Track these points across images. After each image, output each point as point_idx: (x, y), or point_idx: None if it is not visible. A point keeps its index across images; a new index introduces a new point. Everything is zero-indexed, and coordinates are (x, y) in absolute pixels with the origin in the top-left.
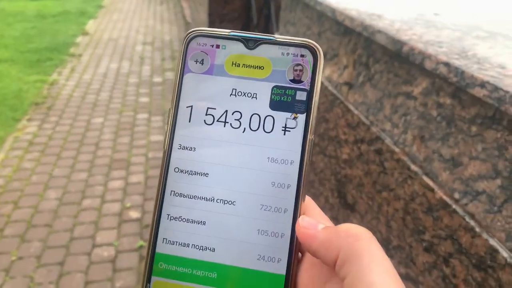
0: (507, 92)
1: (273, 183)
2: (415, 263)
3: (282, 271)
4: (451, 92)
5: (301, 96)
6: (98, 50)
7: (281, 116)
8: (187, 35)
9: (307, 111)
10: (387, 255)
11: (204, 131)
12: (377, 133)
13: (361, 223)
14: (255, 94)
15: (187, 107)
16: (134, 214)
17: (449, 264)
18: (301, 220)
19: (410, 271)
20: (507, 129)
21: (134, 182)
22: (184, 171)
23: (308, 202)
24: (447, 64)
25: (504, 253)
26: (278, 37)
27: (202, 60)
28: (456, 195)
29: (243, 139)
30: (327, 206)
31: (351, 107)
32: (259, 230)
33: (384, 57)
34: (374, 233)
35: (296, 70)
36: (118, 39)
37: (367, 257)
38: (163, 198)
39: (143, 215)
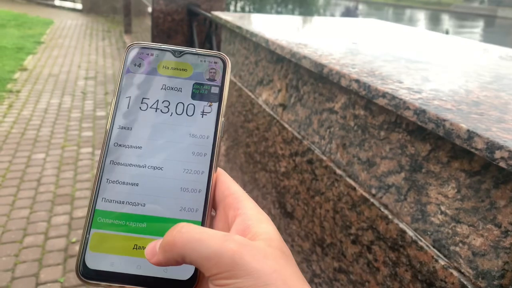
0: (401, 99)
1: (193, 153)
2: (345, 256)
3: (199, 218)
4: (364, 104)
5: (215, 90)
6: (38, 86)
7: (200, 104)
8: (128, 46)
9: (219, 100)
10: (322, 253)
11: (139, 115)
12: (308, 145)
13: (299, 228)
14: (180, 89)
15: (126, 97)
16: None
17: (371, 250)
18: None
19: (342, 264)
20: (406, 130)
21: (80, 217)
22: (122, 145)
23: (222, 172)
24: (357, 81)
25: (410, 232)
26: (198, 49)
27: (140, 64)
28: (373, 191)
29: (171, 121)
30: (270, 218)
31: (286, 125)
32: (181, 188)
33: (310, 80)
34: (310, 235)
35: (211, 72)
36: (59, 74)
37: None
38: (103, 166)
39: None
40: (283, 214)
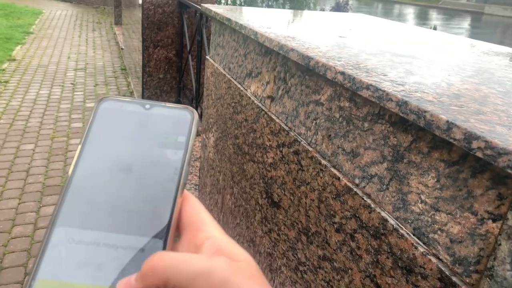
0: (384, 91)
1: (154, 192)
2: (329, 244)
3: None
4: (349, 96)
5: (181, 139)
6: (26, 76)
7: (166, 151)
8: (100, 99)
9: (185, 149)
10: (307, 242)
11: (103, 161)
12: (294, 136)
13: (285, 217)
14: (147, 138)
15: (92, 144)
16: None
17: (354, 238)
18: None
19: (326, 252)
20: (389, 122)
21: None
22: (81, 188)
23: (189, 197)
24: (343, 73)
25: (391, 221)
26: (167, 103)
27: (108, 114)
28: (356, 181)
29: (135, 168)
30: (257, 208)
31: (274, 117)
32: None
33: (298, 72)
34: (296, 224)
35: (179, 124)
36: (48, 65)
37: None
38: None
39: None
40: (270, 204)
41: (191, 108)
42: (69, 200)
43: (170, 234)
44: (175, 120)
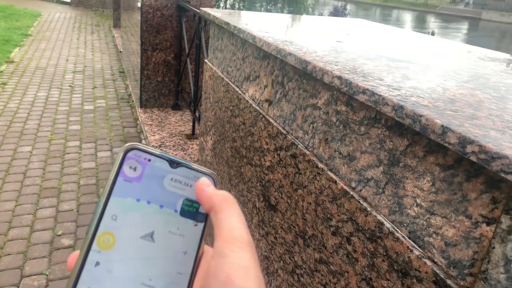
0: (380, 96)
1: (174, 267)
2: (326, 247)
3: None
4: (345, 100)
5: (202, 210)
6: (24, 78)
7: (187, 222)
8: (126, 147)
9: (205, 221)
10: (304, 245)
11: (127, 220)
12: (292, 140)
13: (283, 220)
14: (171, 202)
15: (116, 201)
16: (66, 241)
17: (350, 242)
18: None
19: (322, 255)
20: (385, 126)
21: (66, 210)
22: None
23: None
24: (339, 78)
25: (387, 224)
26: (193, 164)
27: (135, 168)
28: (353, 184)
29: (156, 234)
30: (254, 211)
31: (271, 120)
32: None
33: (295, 76)
34: (293, 227)
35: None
36: (46, 67)
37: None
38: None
39: (76, 242)
40: (267, 207)
41: (214, 173)
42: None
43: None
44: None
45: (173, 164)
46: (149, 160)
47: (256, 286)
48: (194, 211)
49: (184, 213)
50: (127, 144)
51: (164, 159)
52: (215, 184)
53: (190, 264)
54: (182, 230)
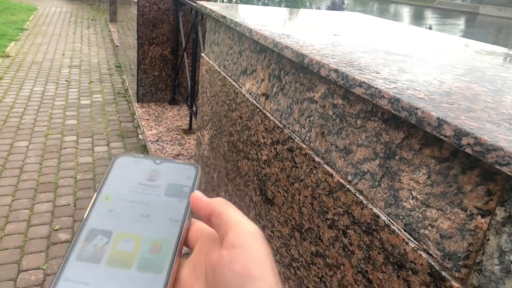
0: (376, 89)
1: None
2: (322, 240)
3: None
4: (342, 94)
5: (186, 190)
6: (20, 73)
7: (171, 200)
8: (115, 156)
9: (188, 200)
10: (300, 238)
11: (119, 204)
12: (288, 134)
13: (279, 214)
14: (156, 187)
15: (106, 192)
16: (63, 235)
17: (347, 235)
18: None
19: (319, 248)
20: (381, 119)
21: (63, 204)
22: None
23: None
24: (336, 71)
25: (383, 217)
26: (175, 159)
27: (124, 168)
28: (349, 177)
29: (144, 209)
30: (251, 205)
31: (268, 114)
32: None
33: (292, 70)
34: (289, 220)
35: (185, 176)
36: (42, 62)
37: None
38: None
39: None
40: (264, 201)
41: (197, 164)
42: (81, 240)
43: (174, 267)
44: (181, 174)
45: (157, 161)
46: (136, 162)
47: (272, 275)
48: (177, 191)
49: (169, 193)
50: (115, 155)
51: (149, 159)
52: (197, 172)
53: (177, 229)
54: (168, 204)
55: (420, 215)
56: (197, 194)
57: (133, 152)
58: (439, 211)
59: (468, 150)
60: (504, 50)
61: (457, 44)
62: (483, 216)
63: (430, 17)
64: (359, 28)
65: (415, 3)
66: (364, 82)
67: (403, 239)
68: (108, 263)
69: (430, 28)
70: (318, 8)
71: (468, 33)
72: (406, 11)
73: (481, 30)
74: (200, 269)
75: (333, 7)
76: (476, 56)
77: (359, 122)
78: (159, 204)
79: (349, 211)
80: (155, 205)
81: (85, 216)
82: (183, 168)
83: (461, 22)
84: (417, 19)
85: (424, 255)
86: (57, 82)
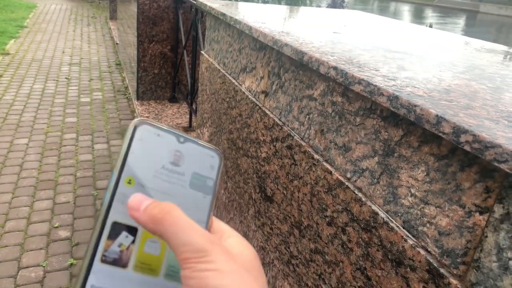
0: (375, 86)
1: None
2: (321, 237)
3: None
4: (341, 91)
5: (209, 183)
6: (20, 70)
7: (196, 195)
8: (135, 123)
9: (213, 193)
10: (299, 235)
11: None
12: (288, 131)
13: (278, 211)
14: (181, 174)
15: (128, 174)
16: (63, 233)
17: (345, 232)
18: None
19: (317, 245)
20: (380, 116)
21: (63, 202)
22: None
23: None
24: (335, 68)
25: (382, 214)
26: (199, 140)
27: (146, 142)
28: (348, 175)
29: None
30: (250, 202)
31: (268, 112)
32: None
33: (292, 67)
34: (288, 217)
35: (208, 164)
36: (42, 59)
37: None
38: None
39: (73, 234)
40: (263, 198)
41: (219, 150)
42: (104, 237)
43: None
44: (205, 161)
45: (180, 138)
46: (158, 135)
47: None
48: (202, 184)
49: (193, 185)
50: (136, 120)
51: (172, 134)
52: (220, 161)
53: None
54: (193, 200)
55: (419, 212)
56: (133, 205)
57: (151, 118)
58: (438, 208)
59: (467, 147)
60: (504, 48)
61: (457, 42)
62: (481, 213)
63: (431, 15)
64: (359, 26)
65: (416, 1)
66: (363, 80)
67: (402, 236)
68: (135, 269)
69: (430, 26)
70: (318, 6)
71: (468, 31)
72: (406, 9)
73: (482, 28)
74: None
75: (333, 5)
76: (476, 54)
77: (358, 119)
78: (184, 198)
79: (348, 208)
80: (180, 199)
81: (106, 199)
82: (207, 154)
83: (461, 20)
84: (418, 17)
85: (422, 252)
86: (57, 80)
